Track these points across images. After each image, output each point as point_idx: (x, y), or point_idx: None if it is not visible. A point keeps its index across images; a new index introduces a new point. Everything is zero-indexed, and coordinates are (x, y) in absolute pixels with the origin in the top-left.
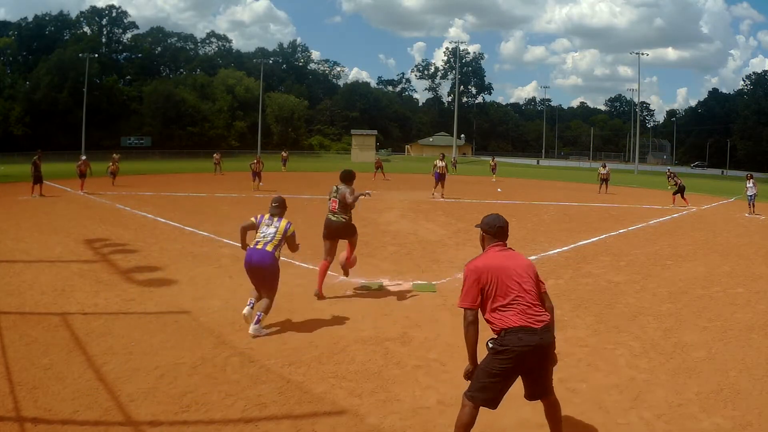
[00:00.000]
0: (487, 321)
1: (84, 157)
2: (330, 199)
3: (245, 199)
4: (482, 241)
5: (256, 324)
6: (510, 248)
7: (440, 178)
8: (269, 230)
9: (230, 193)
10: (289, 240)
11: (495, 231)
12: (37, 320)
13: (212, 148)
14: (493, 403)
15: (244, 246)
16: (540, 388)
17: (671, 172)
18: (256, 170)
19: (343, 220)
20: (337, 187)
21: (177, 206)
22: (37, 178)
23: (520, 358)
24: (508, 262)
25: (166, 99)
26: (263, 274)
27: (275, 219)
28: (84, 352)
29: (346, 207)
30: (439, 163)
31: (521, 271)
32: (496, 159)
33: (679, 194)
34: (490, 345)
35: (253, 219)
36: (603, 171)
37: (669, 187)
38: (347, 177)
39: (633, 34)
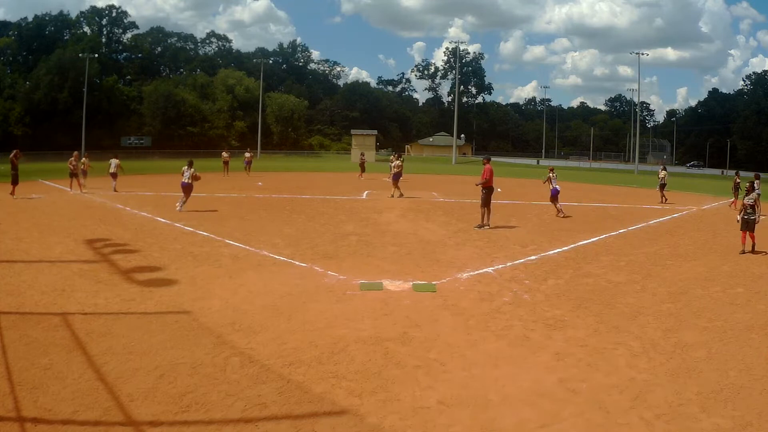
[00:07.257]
0: None
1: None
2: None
3: (246, 200)
4: None
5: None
6: None
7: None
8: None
9: (230, 193)
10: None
11: None
12: (37, 320)
13: (212, 148)
14: None
15: None
16: None
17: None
18: (249, 161)
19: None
20: None
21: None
22: (15, 177)
23: None
24: None
25: (166, 99)
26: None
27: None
28: (84, 352)
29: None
30: (396, 162)
31: None
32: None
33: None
34: None
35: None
36: (662, 174)
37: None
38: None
39: (633, 34)
